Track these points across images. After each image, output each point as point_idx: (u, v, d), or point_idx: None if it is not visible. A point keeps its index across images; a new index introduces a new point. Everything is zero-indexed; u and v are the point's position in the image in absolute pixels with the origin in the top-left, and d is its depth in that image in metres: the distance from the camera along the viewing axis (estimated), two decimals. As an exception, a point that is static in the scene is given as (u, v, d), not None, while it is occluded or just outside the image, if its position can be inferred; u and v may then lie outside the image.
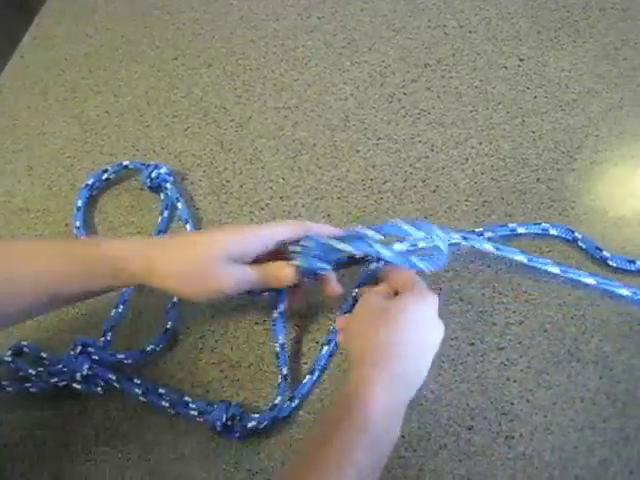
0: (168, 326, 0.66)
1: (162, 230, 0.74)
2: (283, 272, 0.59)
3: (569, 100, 0.75)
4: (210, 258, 0.57)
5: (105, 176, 0.77)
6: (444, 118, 0.76)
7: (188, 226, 0.72)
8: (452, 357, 0.62)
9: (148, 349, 0.65)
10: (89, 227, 0.76)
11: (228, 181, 0.76)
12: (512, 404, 0.59)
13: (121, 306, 0.69)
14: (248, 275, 0.58)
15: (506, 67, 0.78)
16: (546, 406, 0.59)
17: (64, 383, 0.63)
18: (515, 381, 0.60)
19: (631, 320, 0.61)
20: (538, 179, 0.70)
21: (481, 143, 0.73)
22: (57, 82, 0.91)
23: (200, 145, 0.80)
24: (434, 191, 0.71)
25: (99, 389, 0.63)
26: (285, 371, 0.62)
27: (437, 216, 0.69)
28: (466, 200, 0.70)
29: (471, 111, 0.76)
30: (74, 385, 0.63)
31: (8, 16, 1.30)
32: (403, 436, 0.59)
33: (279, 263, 0.59)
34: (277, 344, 0.63)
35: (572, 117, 0.73)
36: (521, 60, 0.79)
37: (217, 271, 0.57)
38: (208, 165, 0.78)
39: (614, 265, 0.64)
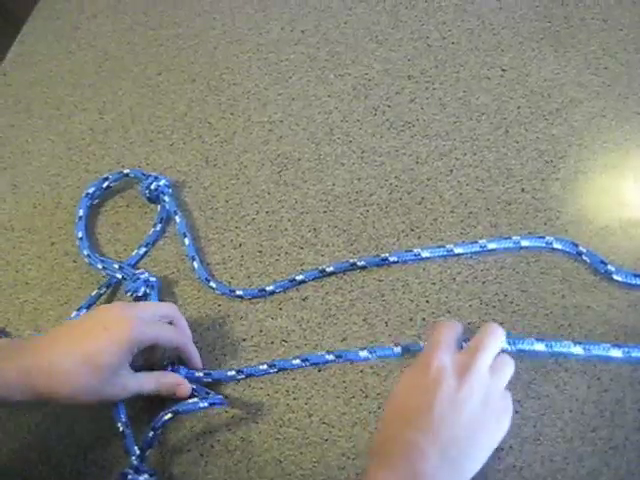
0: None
1: (150, 243, 0.74)
2: (180, 389, 0.62)
3: (552, 110, 0.75)
4: (105, 377, 0.56)
5: (106, 184, 0.77)
6: (428, 130, 0.76)
7: (186, 240, 0.72)
8: (440, 369, 0.62)
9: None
10: (91, 235, 0.77)
11: (214, 196, 0.76)
12: (501, 415, 0.59)
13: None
14: (141, 384, 0.60)
15: (489, 78, 0.79)
16: (535, 417, 0.59)
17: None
18: (504, 392, 0.60)
19: (617, 329, 0.61)
20: (523, 189, 0.70)
21: (465, 154, 0.73)
22: (41, 99, 0.90)
23: (185, 161, 0.80)
24: (419, 203, 0.71)
25: None
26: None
27: (423, 228, 0.69)
28: (451, 211, 0.70)
29: (455, 122, 0.76)
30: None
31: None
32: (393, 450, 0.59)
33: (175, 378, 0.62)
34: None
35: (555, 127, 0.74)
36: (504, 71, 0.79)
37: (112, 386, 0.58)
38: (193, 180, 0.78)
39: (619, 279, 0.64)
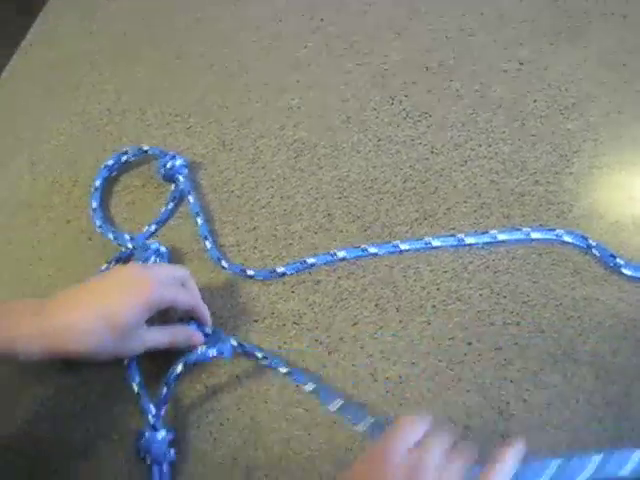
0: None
1: (161, 221, 0.75)
2: (195, 339, 0.63)
3: (568, 104, 0.75)
4: (122, 335, 0.58)
5: (124, 158, 0.79)
6: (444, 120, 0.77)
7: (199, 219, 0.73)
8: (449, 356, 0.63)
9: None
10: (105, 208, 0.78)
11: (229, 179, 0.77)
12: (508, 403, 0.60)
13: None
14: (157, 339, 0.61)
15: (506, 71, 0.79)
16: (542, 406, 0.59)
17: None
18: (512, 381, 0.61)
19: (627, 322, 0.62)
20: (536, 182, 0.71)
21: (480, 145, 0.74)
22: (60, 80, 0.91)
23: (202, 144, 0.80)
24: (433, 192, 0.72)
25: None
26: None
27: (436, 217, 0.70)
28: (465, 202, 0.71)
29: (471, 114, 0.77)
30: None
31: (11, 14, 1.30)
32: (400, 434, 0.60)
33: (188, 329, 0.64)
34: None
35: (571, 121, 0.74)
36: (521, 64, 0.79)
37: (129, 343, 0.59)
38: (209, 163, 0.79)
39: (628, 273, 0.64)
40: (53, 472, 0.62)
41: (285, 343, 0.65)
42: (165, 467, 0.60)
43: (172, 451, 0.60)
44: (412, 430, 0.54)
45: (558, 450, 0.57)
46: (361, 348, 0.64)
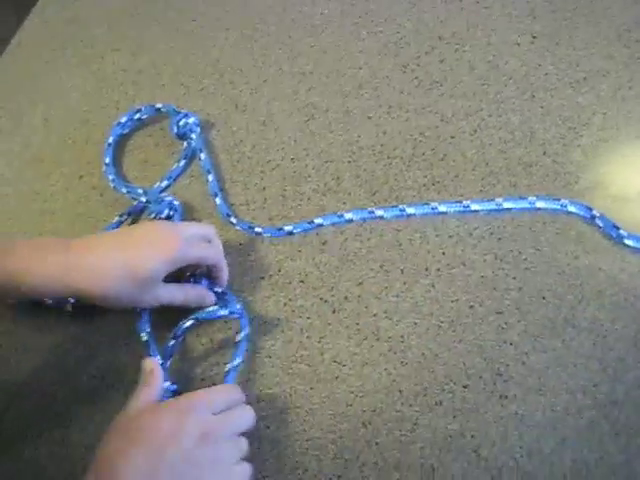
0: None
1: (172, 177, 0.76)
2: (206, 300, 0.65)
3: (579, 78, 0.76)
4: (141, 285, 0.60)
5: (137, 116, 0.80)
6: (455, 90, 0.77)
7: (210, 177, 0.75)
8: (452, 318, 0.64)
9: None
10: (118, 165, 0.79)
11: (241, 140, 0.78)
12: (507, 365, 0.61)
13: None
14: (172, 296, 0.63)
15: (519, 44, 0.80)
16: (540, 369, 0.61)
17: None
18: (511, 344, 0.62)
19: (626, 292, 0.63)
20: (544, 152, 0.72)
21: (490, 115, 0.75)
22: (76, 38, 0.92)
23: (215, 105, 0.81)
24: (442, 159, 0.73)
25: (68, 305, 0.67)
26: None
27: (444, 183, 0.71)
28: (473, 170, 0.72)
29: (482, 84, 0.77)
30: (45, 300, 0.67)
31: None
32: (400, 391, 0.61)
33: (202, 290, 0.65)
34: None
35: (581, 95, 0.75)
36: (534, 37, 0.80)
37: (146, 295, 0.61)
38: (222, 124, 0.79)
39: (630, 244, 0.65)
40: (57, 415, 0.64)
41: (290, 300, 0.67)
42: None
43: None
44: (227, 396, 0.58)
45: (555, 412, 0.58)
46: (365, 308, 0.65)
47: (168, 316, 0.65)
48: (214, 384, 0.63)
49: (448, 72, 0.79)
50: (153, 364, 0.59)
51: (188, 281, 0.66)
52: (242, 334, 0.64)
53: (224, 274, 0.66)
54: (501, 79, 0.77)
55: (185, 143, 0.77)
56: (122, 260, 0.59)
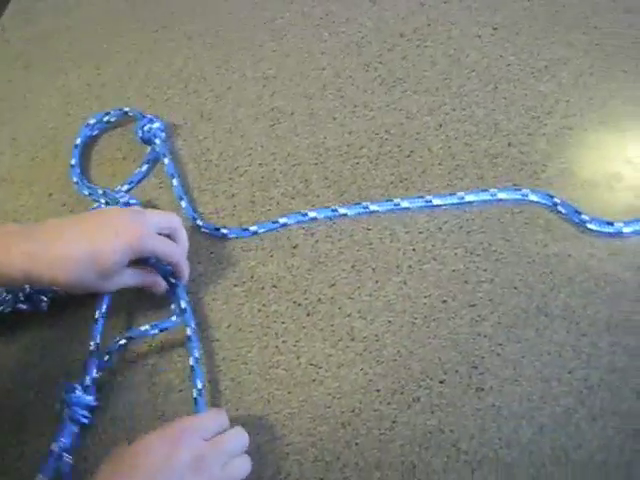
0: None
1: (134, 181, 0.77)
2: (157, 288, 0.66)
3: (541, 67, 0.76)
4: (104, 273, 0.61)
5: (106, 118, 0.81)
6: (419, 86, 0.78)
7: (174, 181, 0.75)
8: (425, 314, 0.64)
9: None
10: (84, 165, 0.79)
11: (208, 149, 0.78)
12: (483, 358, 0.61)
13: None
14: (129, 279, 0.64)
15: (479, 36, 0.80)
16: (515, 359, 0.61)
17: (9, 310, 0.67)
18: (486, 336, 0.62)
19: (597, 277, 0.63)
20: (509, 143, 0.72)
21: (454, 109, 0.75)
22: (39, 56, 0.92)
23: (180, 114, 0.81)
24: (408, 156, 0.73)
25: (43, 304, 0.67)
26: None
27: (411, 180, 0.71)
28: (439, 164, 0.72)
29: (445, 79, 0.77)
30: (19, 306, 0.67)
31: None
32: (378, 390, 0.61)
33: (156, 279, 0.66)
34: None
35: (543, 84, 0.75)
36: (494, 29, 0.80)
37: (107, 281, 0.62)
38: (188, 134, 0.79)
39: (593, 228, 0.66)
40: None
41: (264, 306, 0.67)
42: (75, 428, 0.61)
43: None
44: (216, 421, 0.58)
45: (532, 402, 0.59)
46: (339, 309, 0.65)
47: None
48: (192, 394, 0.63)
49: (411, 68, 0.79)
50: None
51: (151, 262, 0.66)
52: (191, 359, 0.64)
53: (183, 272, 0.66)
54: (463, 72, 0.78)
55: (149, 148, 0.77)
56: (86, 249, 0.59)
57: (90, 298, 0.68)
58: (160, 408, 0.63)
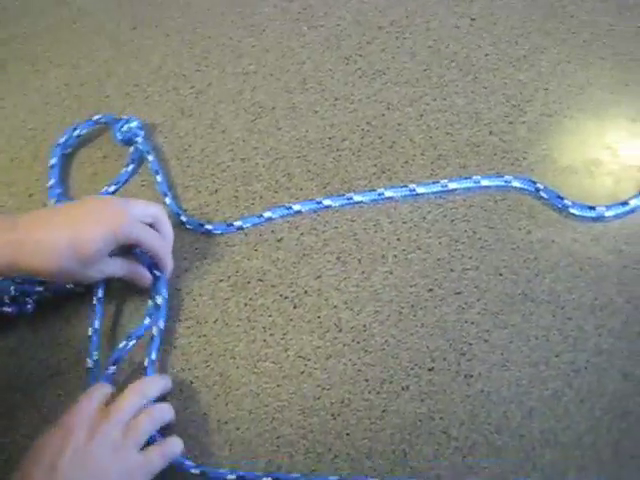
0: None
1: (120, 182, 0.76)
2: (142, 281, 0.66)
3: (519, 56, 0.77)
4: (86, 262, 0.60)
5: (76, 132, 0.79)
6: (399, 77, 0.78)
7: (159, 177, 0.74)
8: (411, 303, 0.64)
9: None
10: (65, 184, 0.77)
11: (190, 145, 0.77)
12: (470, 345, 0.62)
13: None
14: (114, 269, 0.64)
15: (458, 27, 0.80)
16: (502, 345, 0.61)
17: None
18: (473, 323, 0.63)
19: (580, 262, 0.64)
20: (491, 132, 0.72)
21: (435, 100, 0.75)
22: (16, 57, 0.91)
23: (160, 112, 0.81)
24: (391, 147, 0.73)
25: (29, 306, 0.66)
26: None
27: (394, 170, 0.71)
28: (422, 154, 0.72)
29: (425, 70, 0.78)
30: (4, 309, 0.66)
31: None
32: (367, 380, 0.61)
33: (140, 270, 0.66)
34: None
35: (522, 72, 0.76)
36: (472, 20, 0.81)
37: (90, 270, 0.62)
38: (169, 131, 0.79)
39: (575, 212, 0.66)
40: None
41: (251, 300, 0.67)
42: None
43: None
44: (101, 392, 0.58)
45: (520, 386, 0.59)
46: (325, 300, 0.65)
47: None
48: (180, 390, 0.63)
49: (390, 60, 0.79)
50: None
51: (134, 252, 0.66)
52: (151, 356, 0.64)
53: (166, 263, 0.66)
54: (443, 63, 0.78)
55: (131, 148, 0.77)
56: (69, 238, 0.58)
57: (75, 300, 0.68)
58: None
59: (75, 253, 0.58)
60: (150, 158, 0.75)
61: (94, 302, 0.66)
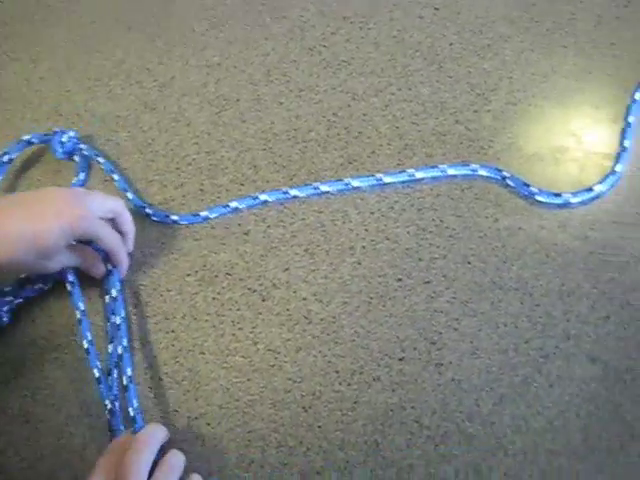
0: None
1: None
2: (97, 272, 0.66)
3: (483, 45, 0.77)
4: (44, 254, 0.59)
5: (7, 158, 0.74)
6: (364, 67, 0.77)
7: (115, 175, 0.73)
8: (380, 293, 0.64)
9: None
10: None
11: (154, 139, 0.76)
12: (440, 333, 0.62)
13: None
14: (69, 259, 0.63)
15: (422, 17, 0.80)
16: (472, 333, 0.61)
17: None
18: (442, 312, 0.63)
19: (547, 248, 0.64)
20: (456, 121, 0.72)
21: (400, 89, 0.75)
22: (-28, 52, 0.89)
23: (123, 106, 0.79)
24: (356, 137, 0.73)
25: (4, 319, 0.65)
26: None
27: (361, 161, 0.71)
28: (388, 144, 0.72)
29: (389, 60, 0.77)
30: None
31: None
32: (337, 371, 0.61)
33: (95, 261, 0.65)
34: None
35: (487, 61, 0.76)
36: (436, 9, 0.80)
37: (47, 261, 0.61)
38: (132, 125, 0.78)
39: (542, 200, 0.67)
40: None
41: (219, 294, 0.66)
42: None
43: None
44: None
45: (490, 373, 0.59)
46: (294, 293, 0.65)
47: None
48: (150, 388, 0.62)
49: (355, 51, 0.79)
50: None
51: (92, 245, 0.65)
52: (119, 348, 0.63)
53: (120, 262, 0.65)
54: (407, 53, 0.78)
55: (76, 157, 0.74)
56: (26, 228, 0.57)
57: (48, 308, 0.67)
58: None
59: (33, 245, 0.57)
60: (101, 160, 0.73)
61: (69, 289, 0.64)
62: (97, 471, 0.52)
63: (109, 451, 0.54)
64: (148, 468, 0.52)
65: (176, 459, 0.55)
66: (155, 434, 0.56)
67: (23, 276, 0.66)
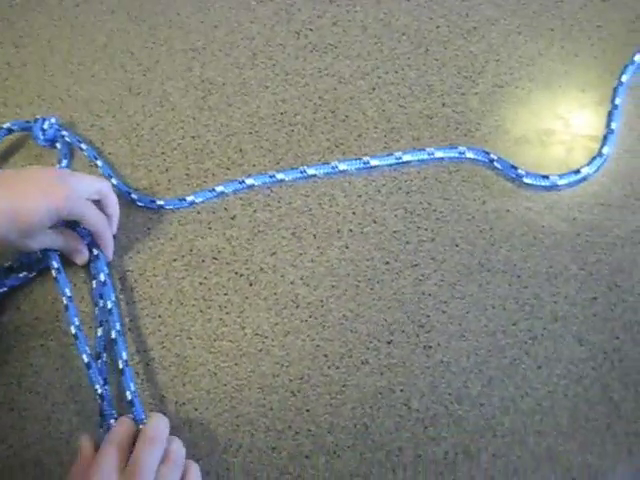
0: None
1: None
2: (79, 257, 0.65)
3: (470, 28, 0.77)
4: (27, 233, 0.59)
5: None
6: (350, 51, 0.77)
7: (99, 162, 0.72)
8: (368, 276, 0.64)
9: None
10: None
11: (138, 124, 0.75)
12: (428, 316, 0.62)
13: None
14: (52, 240, 0.62)
15: (408, 0, 0.80)
16: (460, 315, 0.61)
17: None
18: (430, 294, 0.63)
19: (535, 230, 0.64)
20: (443, 104, 0.72)
21: (387, 73, 0.75)
22: (-47, 36, 0.87)
23: (108, 91, 0.78)
24: (343, 121, 0.72)
25: None
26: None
27: (348, 144, 0.71)
28: (375, 127, 0.71)
29: (376, 43, 0.77)
30: None
31: None
32: (325, 355, 0.61)
33: (79, 246, 0.65)
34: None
35: (473, 44, 0.76)
36: (423, -8, 0.80)
37: (29, 240, 0.60)
38: (117, 110, 0.77)
39: (529, 182, 0.67)
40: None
41: (206, 279, 0.65)
42: None
43: None
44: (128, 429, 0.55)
45: (479, 356, 0.59)
46: (281, 277, 0.65)
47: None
48: (137, 374, 0.62)
49: (341, 34, 0.78)
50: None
51: (76, 229, 0.65)
52: (113, 332, 0.62)
53: (107, 244, 0.65)
54: (394, 36, 0.77)
55: (58, 144, 0.73)
56: (10, 206, 0.57)
57: (32, 296, 0.66)
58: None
59: (16, 223, 0.57)
60: (84, 146, 0.72)
61: (54, 274, 0.63)
62: (103, 460, 0.51)
63: (111, 441, 0.53)
64: (158, 463, 0.52)
65: (179, 451, 0.54)
66: (162, 427, 0.55)
67: (7, 265, 0.65)
